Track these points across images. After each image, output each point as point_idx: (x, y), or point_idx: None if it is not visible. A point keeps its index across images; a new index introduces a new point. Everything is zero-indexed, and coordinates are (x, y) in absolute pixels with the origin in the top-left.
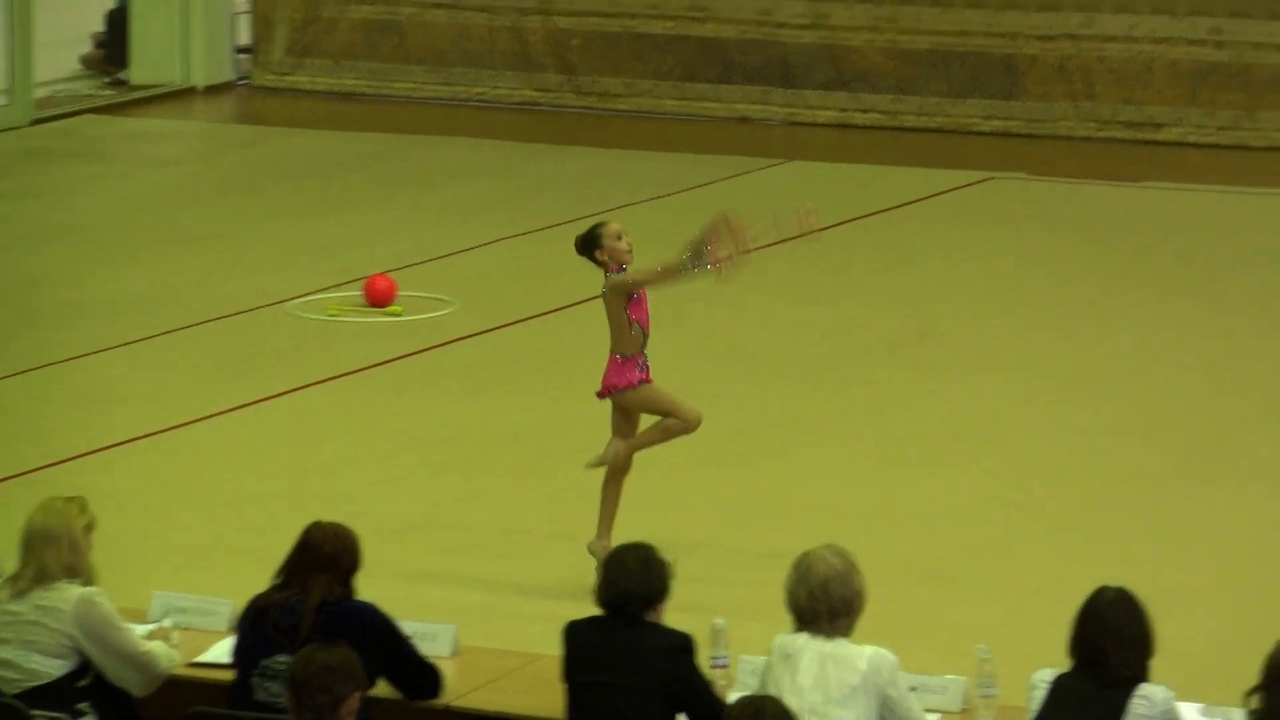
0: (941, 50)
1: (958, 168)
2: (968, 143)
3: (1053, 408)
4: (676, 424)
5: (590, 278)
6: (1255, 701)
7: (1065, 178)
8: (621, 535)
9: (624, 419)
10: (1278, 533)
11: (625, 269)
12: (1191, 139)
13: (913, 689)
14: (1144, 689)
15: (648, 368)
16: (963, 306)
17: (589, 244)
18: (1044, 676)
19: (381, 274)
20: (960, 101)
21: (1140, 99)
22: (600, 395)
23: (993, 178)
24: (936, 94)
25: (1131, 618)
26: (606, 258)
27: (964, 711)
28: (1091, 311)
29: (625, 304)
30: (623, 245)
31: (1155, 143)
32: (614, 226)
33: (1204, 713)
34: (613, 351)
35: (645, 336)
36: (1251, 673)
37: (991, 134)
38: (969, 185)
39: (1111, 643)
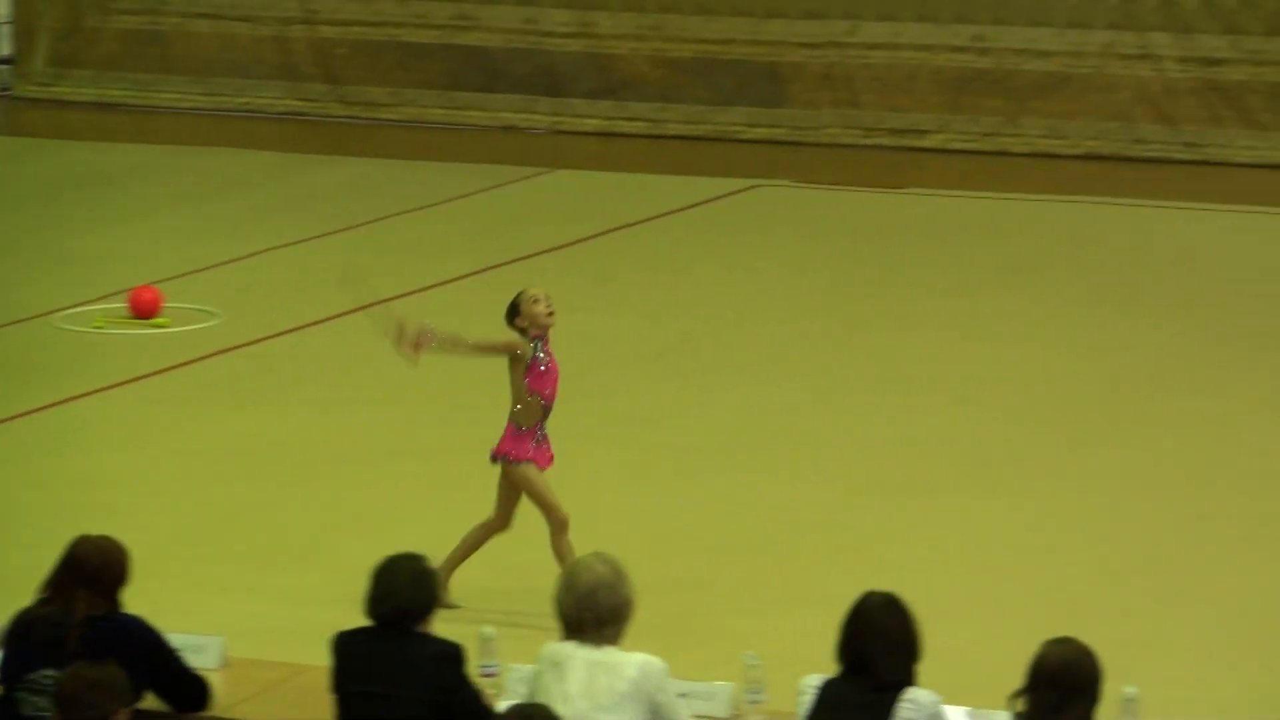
0: (706, 58)
1: (723, 175)
2: (733, 150)
3: (816, 416)
4: (495, 526)
5: (344, 293)
6: (1020, 704)
7: (830, 185)
8: (392, 545)
9: (509, 487)
10: (1039, 538)
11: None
12: (955, 145)
13: (682, 695)
14: (911, 693)
15: (545, 445)
16: (728, 315)
17: (510, 312)
18: (812, 682)
19: (146, 286)
20: (725, 109)
21: (904, 106)
22: (491, 458)
23: (758, 185)
24: (702, 102)
25: (898, 622)
26: (526, 323)
27: (733, 717)
28: (855, 318)
29: (524, 373)
30: (540, 309)
31: (919, 149)
32: (533, 291)
33: (970, 716)
34: (510, 419)
35: (545, 410)
36: (1016, 676)
37: (757, 141)
38: (734, 193)
39: (878, 648)
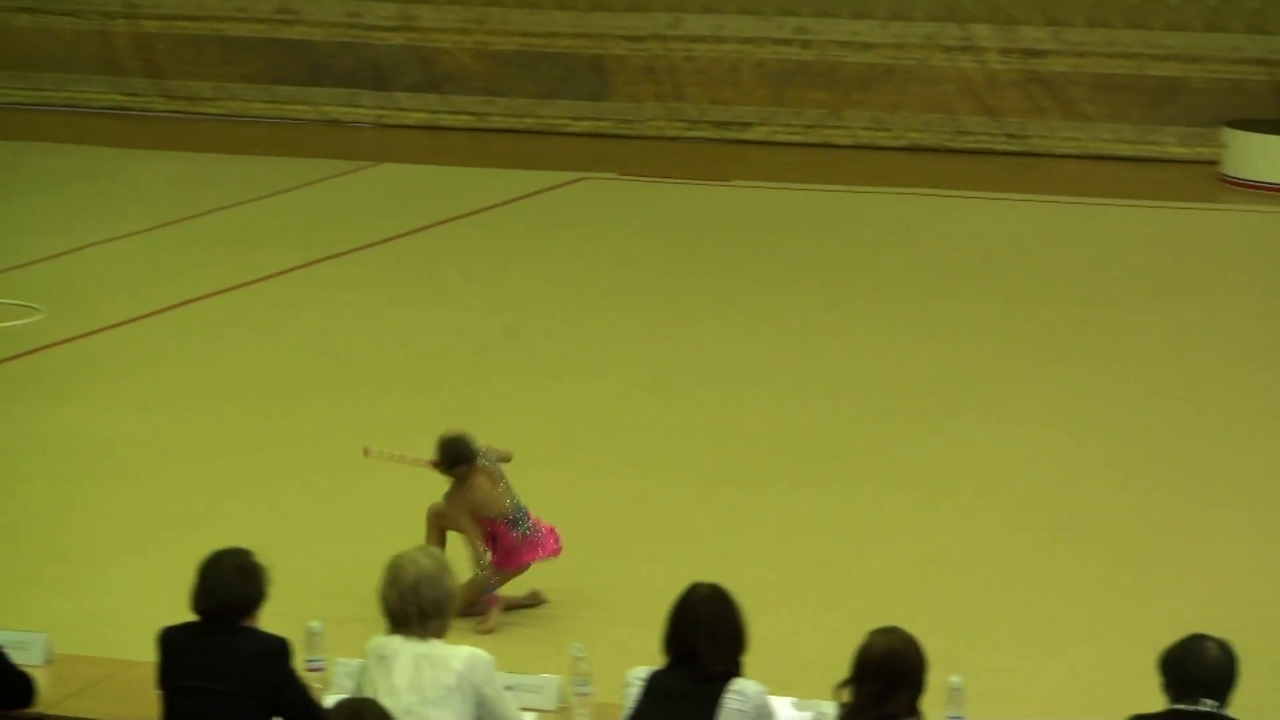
0: (530, 51)
1: (548, 169)
2: (558, 143)
3: (644, 408)
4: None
5: (169, 288)
6: (845, 695)
7: (655, 178)
8: (218, 540)
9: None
10: (866, 529)
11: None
12: (779, 138)
13: (509, 688)
14: (737, 684)
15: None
16: (554, 308)
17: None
18: (638, 674)
19: None
20: (550, 102)
21: (728, 99)
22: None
23: (583, 178)
24: (526, 95)
25: (724, 614)
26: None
27: (560, 710)
28: (681, 311)
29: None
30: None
31: (743, 141)
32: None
33: (797, 706)
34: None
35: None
36: (842, 666)
37: (581, 134)
38: (560, 186)
39: (704, 639)
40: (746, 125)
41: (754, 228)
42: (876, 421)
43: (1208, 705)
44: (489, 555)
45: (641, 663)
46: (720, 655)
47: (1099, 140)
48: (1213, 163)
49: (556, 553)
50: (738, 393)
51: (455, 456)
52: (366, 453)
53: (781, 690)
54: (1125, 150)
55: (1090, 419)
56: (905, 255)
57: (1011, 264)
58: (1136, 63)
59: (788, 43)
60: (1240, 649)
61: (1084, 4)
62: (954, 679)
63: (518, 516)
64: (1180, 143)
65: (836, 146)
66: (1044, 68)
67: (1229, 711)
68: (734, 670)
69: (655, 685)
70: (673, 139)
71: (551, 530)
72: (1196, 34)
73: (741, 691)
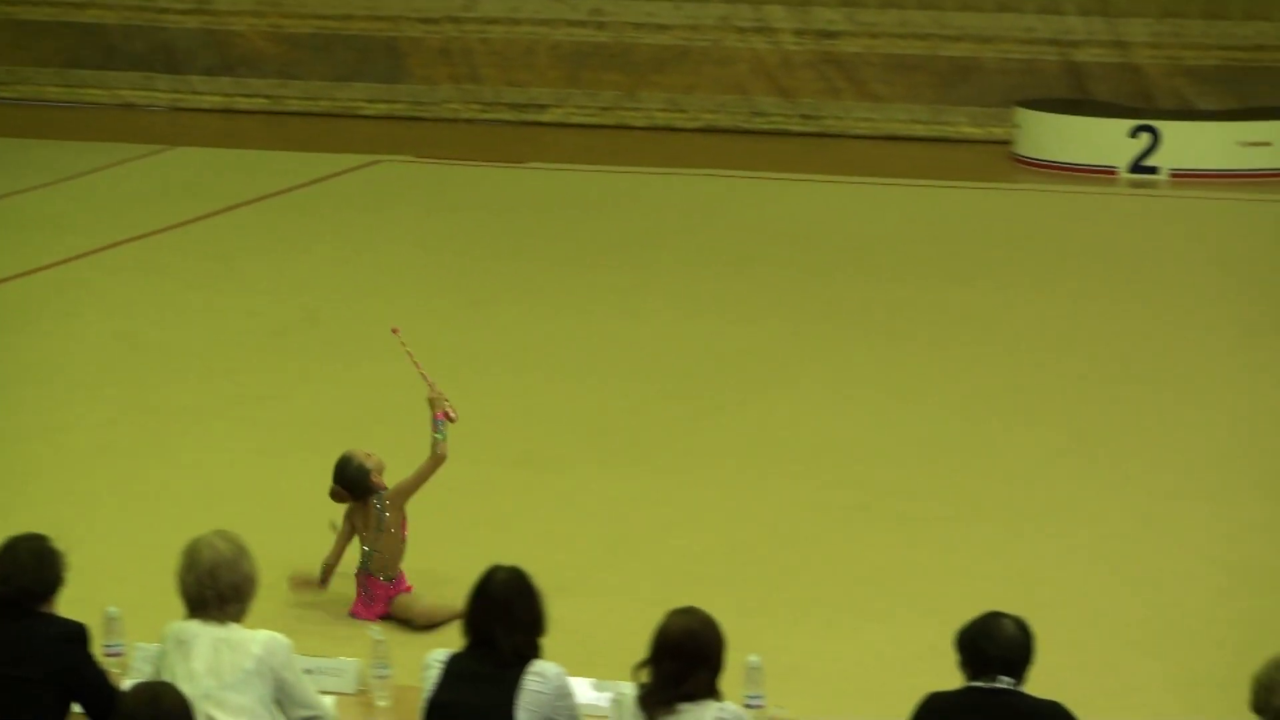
0: (325, 34)
1: (344, 151)
2: (353, 126)
3: (447, 390)
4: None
5: None
6: (644, 675)
7: (451, 160)
8: (12, 528)
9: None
10: (666, 510)
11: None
12: (574, 119)
13: (308, 672)
14: (537, 666)
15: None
16: (350, 291)
17: (359, 486)
18: (438, 656)
19: None
20: (345, 85)
21: (523, 81)
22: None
23: (379, 161)
24: (321, 78)
25: (522, 596)
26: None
27: (359, 693)
28: (478, 294)
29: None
30: (373, 464)
31: (539, 124)
32: (367, 460)
33: (596, 687)
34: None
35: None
36: (641, 647)
37: (377, 117)
38: (355, 169)
39: (502, 622)
40: (542, 107)
41: (551, 209)
42: (677, 402)
43: (1004, 682)
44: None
45: (441, 645)
46: (518, 638)
47: (893, 121)
48: (1005, 142)
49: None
50: (537, 375)
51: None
52: (395, 331)
53: (581, 671)
54: (919, 130)
55: (889, 396)
56: (702, 236)
57: (807, 243)
58: (929, 43)
59: (582, 24)
60: (1036, 626)
61: None
62: (752, 658)
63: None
64: (973, 123)
65: (632, 128)
66: (838, 49)
67: (1025, 688)
68: (533, 653)
69: (454, 667)
70: (469, 121)
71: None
72: (989, 14)
73: (541, 673)
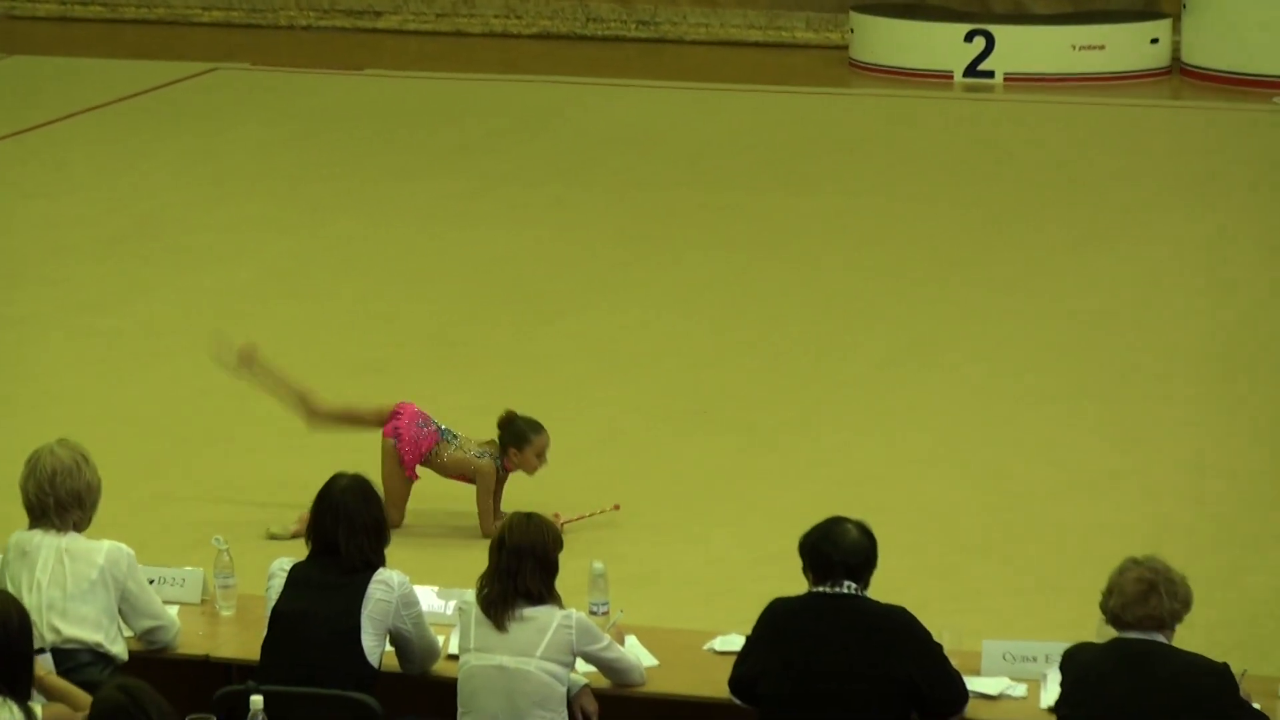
0: None
1: (180, 59)
2: (189, 34)
3: (280, 299)
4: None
5: None
6: (484, 580)
7: (288, 67)
8: None
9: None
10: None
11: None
12: (410, 26)
13: (151, 581)
14: (381, 574)
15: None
16: (187, 200)
17: (517, 438)
18: (282, 565)
19: None
20: None
21: None
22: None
23: (216, 69)
24: None
25: (363, 504)
26: (515, 463)
27: (204, 602)
28: (315, 202)
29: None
30: (536, 463)
31: (376, 30)
32: (543, 440)
33: (441, 595)
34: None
35: None
36: (484, 556)
37: (213, 24)
38: (192, 77)
39: (344, 529)
40: (379, 14)
41: (388, 118)
42: (515, 309)
43: (848, 587)
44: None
45: (285, 554)
46: (361, 545)
47: (728, 26)
48: (841, 48)
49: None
50: (372, 283)
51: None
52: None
53: (425, 580)
54: (755, 36)
55: (726, 303)
56: (539, 143)
57: (645, 150)
58: None
59: None
60: (878, 531)
61: None
62: (597, 564)
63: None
64: (809, 28)
65: (468, 35)
66: None
67: (869, 593)
68: (378, 560)
69: (298, 575)
70: (305, 28)
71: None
72: None
73: (385, 581)
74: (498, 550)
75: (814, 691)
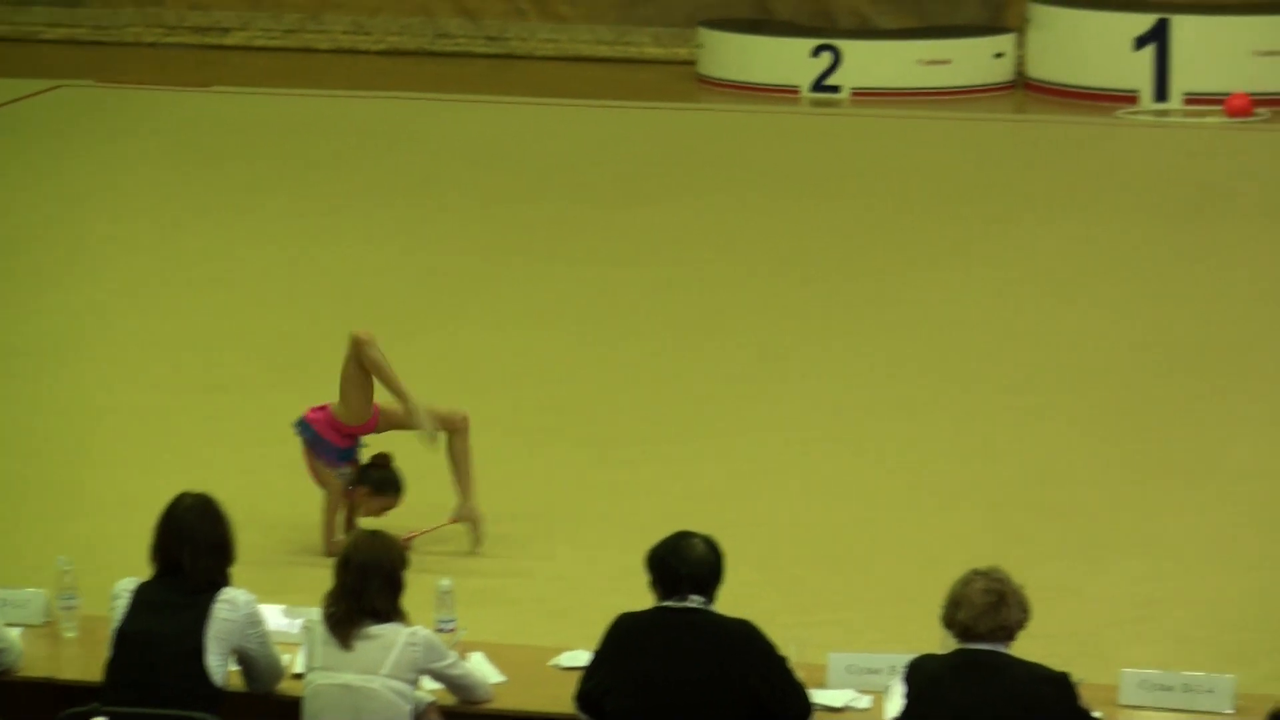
0: None
1: (24, 77)
2: (34, 51)
3: (128, 315)
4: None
5: None
6: (330, 599)
7: (135, 85)
8: None
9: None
10: None
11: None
12: (258, 43)
13: None
14: (226, 593)
15: None
16: (36, 218)
17: (376, 484)
18: (126, 585)
19: None
20: (24, 9)
21: (206, 4)
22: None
23: (61, 86)
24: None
25: (208, 524)
26: (359, 499)
27: (46, 624)
28: (165, 217)
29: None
30: (375, 513)
31: (223, 47)
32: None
33: (287, 614)
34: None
35: None
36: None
37: (59, 41)
38: (36, 94)
39: (188, 549)
40: (225, 30)
41: (236, 133)
42: (355, 324)
43: (695, 601)
44: None
45: (130, 573)
46: (205, 565)
47: (576, 42)
48: (689, 63)
49: None
50: (220, 299)
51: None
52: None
53: (271, 598)
54: (603, 51)
55: (578, 318)
56: (388, 160)
57: (494, 166)
58: None
59: None
60: (726, 544)
61: None
62: (443, 581)
63: None
64: (656, 43)
65: (316, 51)
66: None
67: (716, 607)
68: (222, 580)
69: (143, 596)
70: (152, 45)
71: None
72: None
73: (231, 600)
74: (343, 568)
75: (660, 705)
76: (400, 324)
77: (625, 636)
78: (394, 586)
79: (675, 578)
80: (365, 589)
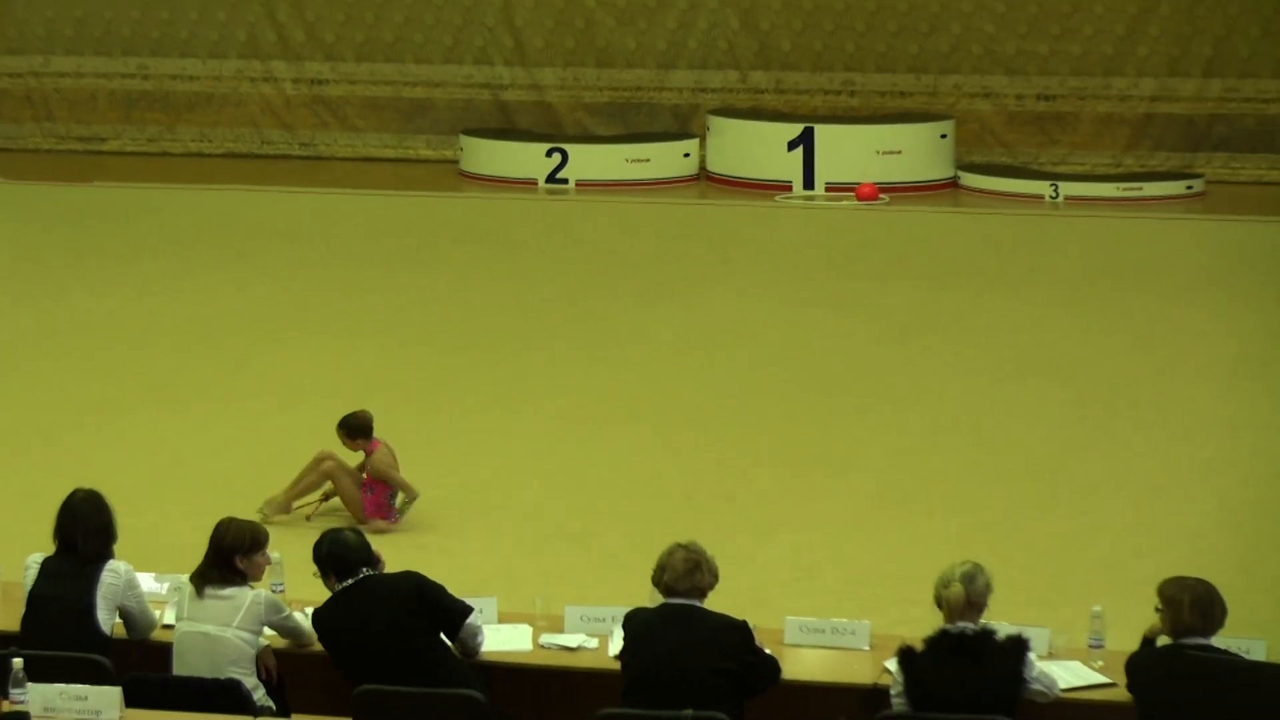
0: None
1: None
2: None
3: (32, 360)
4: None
5: None
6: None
7: (33, 180)
8: None
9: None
10: (212, 438)
11: None
12: (129, 149)
13: None
14: (111, 564)
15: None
16: None
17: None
18: (35, 559)
19: None
20: None
21: (88, 119)
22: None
23: None
24: None
25: (95, 511)
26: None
27: None
28: (53, 283)
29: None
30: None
31: (101, 152)
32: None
33: (157, 579)
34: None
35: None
36: (197, 548)
37: None
38: None
39: (80, 531)
40: (103, 139)
41: (111, 219)
42: (202, 360)
43: (364, 572)
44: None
45: (37, 550)
46: (94, 543)
47: (368, 146)
48: (454, 161)
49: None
50: (97, 342)
51: (357, 428)
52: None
53: (145, 568)
54: (388, 153)
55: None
56: (227, 237)
57: (303, 242)
58: (394, 88)
59: (132, 76)
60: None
61: (353, 43)
62: (274, 554)
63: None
64: (429, 147)
65: (172, 155)
66: (326, 93)
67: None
68: (107, 554)
69: (47, 567)
70: (47, 151)
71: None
72: (438, 65)
73: (114, 569)
74: (214, 548)
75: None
76: (232, 353)
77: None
78: (246, 560)
79: (345, 564)
80: (223, 563)
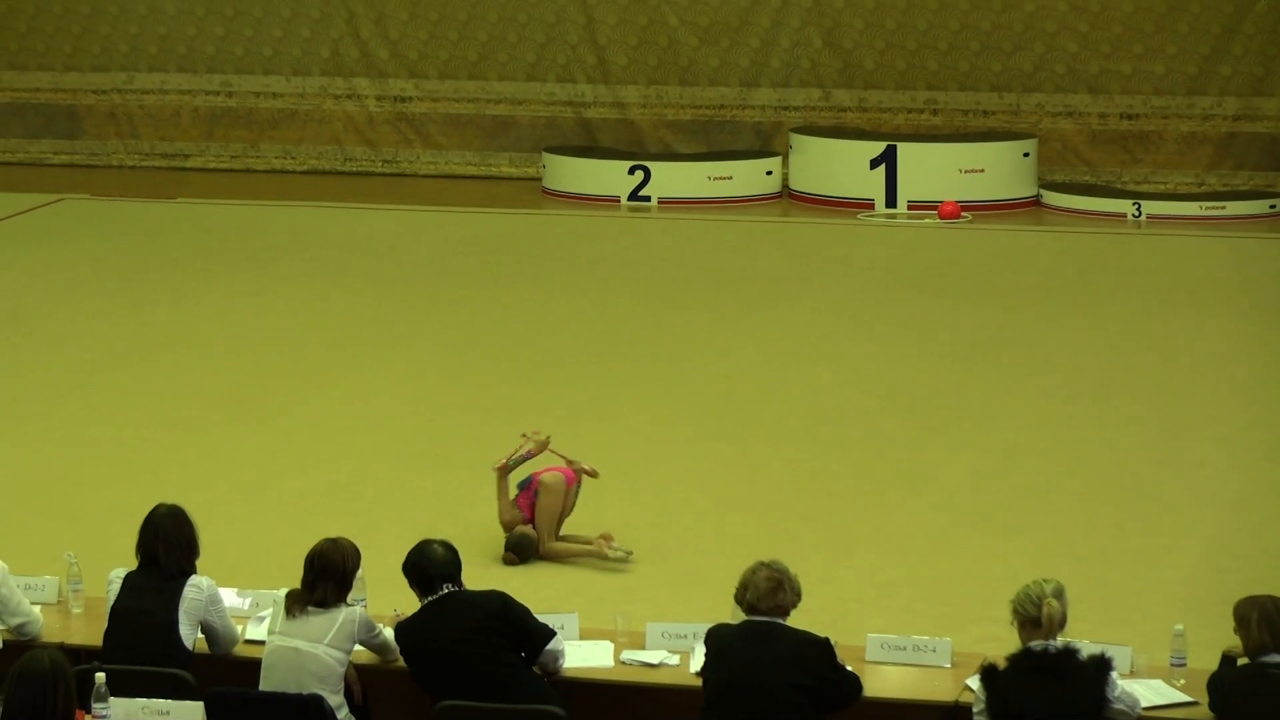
0: (18, 103)
1: (36, 191)
2: (44, 173)
3: (114, 371)
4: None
5: None
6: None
7: (119, 196)
8: None
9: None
10: (283, 460)
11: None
12: (212, 165)
13: (26, 588)
14: (194, 579)
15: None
16: (43, 297)
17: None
18: (118, 574)
19: None
20: (35, 141)
21: (172, 136)
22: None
23: (63, 199)
24: (16, 135)
25: (178, 527)
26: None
27: (59, 602)
28: (139, 295)
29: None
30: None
31: (185, 169)
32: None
33: (239, 595)
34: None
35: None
36: (277, 565)
37: (61, 165)
38: (45, 205)
39: (163, 546)
40: (187, 156)
41: (194, 235)
42: (284, 376)
43: (448, 588)
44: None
45: (121, 565)
46: (177, 558)
47: (451, 163)
48: (536, 179)
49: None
50: (180, 357)
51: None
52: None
53: (228, 583)
54: (471, 170)
55: (440, 383)
56: (310, 253)
57: (386, 259)
58: (477, 105)
59: (215, 93)
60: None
61: (437, 61)
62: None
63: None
64: (511, 165)
65: (255, 171)
66: (409, 110)
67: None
68: (190, 569)
69: (130, 582)
70: (131, 167)
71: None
72: (521, 83)
73: (197, 584)
74: (308, 567)
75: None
76: (308, 376)
77: (404, 637)
78: (343, 585)
79: (429, 577)
80: (318, 585)
